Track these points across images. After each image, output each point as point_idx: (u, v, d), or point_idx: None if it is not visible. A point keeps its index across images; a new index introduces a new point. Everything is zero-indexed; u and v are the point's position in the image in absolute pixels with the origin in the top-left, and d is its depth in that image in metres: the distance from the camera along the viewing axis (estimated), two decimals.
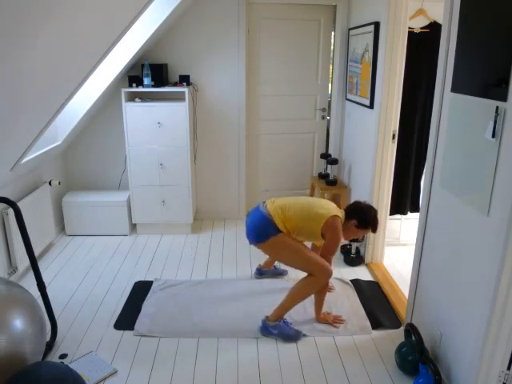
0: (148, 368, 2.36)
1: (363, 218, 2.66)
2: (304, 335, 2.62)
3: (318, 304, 2.72)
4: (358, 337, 2.62)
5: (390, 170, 3.31)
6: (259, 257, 3.62)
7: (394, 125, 3.22)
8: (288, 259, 2.64)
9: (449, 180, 2.14)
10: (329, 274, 2.57)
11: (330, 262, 2.63)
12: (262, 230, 2.58)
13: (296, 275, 3.33)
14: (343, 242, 3.36)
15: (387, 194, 3.36)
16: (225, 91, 4.13)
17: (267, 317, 2.62)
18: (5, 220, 3.03)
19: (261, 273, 3.31)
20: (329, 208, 2.63)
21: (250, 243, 2.68)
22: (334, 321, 2.72)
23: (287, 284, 3.18)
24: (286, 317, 2.68)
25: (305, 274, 2.63)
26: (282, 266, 3.36)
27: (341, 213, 2.67)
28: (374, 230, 2.72)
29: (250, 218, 2.68)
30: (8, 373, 1.90)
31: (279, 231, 2.56)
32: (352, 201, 3.92)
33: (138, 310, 2.85)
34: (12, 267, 3.13)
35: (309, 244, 2.86)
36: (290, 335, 2.57)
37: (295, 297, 2.59)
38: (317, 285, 2.59)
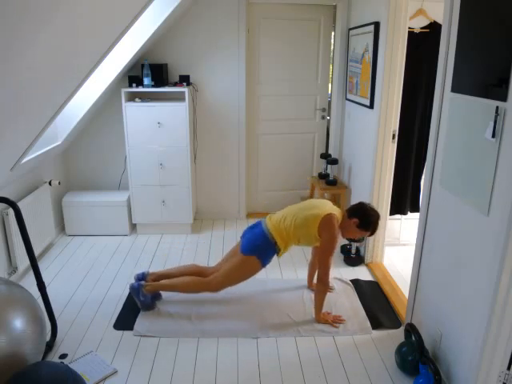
0: (148, 368, 2.36)
1: (366, 218, 2.68)
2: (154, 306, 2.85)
3: (318, 304, 2.72)
4: (357, 337, 2.62)
5: (390, 170, 3.31)
6: None
7: (394, 125, 3.22)
8: (232, 269, 2.75)
9: (449, 180, 2.14)
10: (218, 289, 2.76)
11: (328, 263, 2.63)
12: (260, 247, 2.70)
13: (304, 276, 3.33)
14: (342, 241, 3.35)
15: (387, 194, 3.36)
16: (225, 91, 4.13)
17: (146, 283, 2.81)
18: (5, 220, 3.03)
19: (141, 279, 2.93)
20: (323, 208, 2.67)
21: (240, 247, 2.77)
22: (334, 321, 2.72)
23: (287, 284, 3.18)
24: (285, 319, 2.68)
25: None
26: (288, 267, 3.35)
27: (337, 211, 2.69)
28: (372, 233, 2.76)
29: (254, 230, 2.79)
30: (8, 373, 1.90)
31: (276, 251, 2.72)
32: (352, 201, 3.92)
33: (138, 310, 2.85)
34: (12, 267, 3.13)
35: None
36: (146, 304, 2.82)
37: (179, 285, 2.79)
38: (203, 288, 2.76)
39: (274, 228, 2.69)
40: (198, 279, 2.78)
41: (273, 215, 2.82)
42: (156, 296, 2.92)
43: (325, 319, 2.72)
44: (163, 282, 2.84)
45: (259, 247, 2.70)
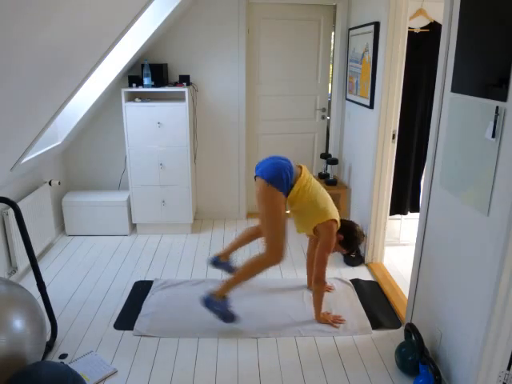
0: (148, 368, 2.36)
1: (350, 239, 2.77)
2: (238, 320, 2.70)
3: (317, 304, 2.72)
4: (357, 337, 2.62)
5: (390, 170, 3.31)
6: None
7: (394, 125, 3.22)
8: (265, 216, 2.57)
9: (449, 180, 2.14)
10: (279, 258, 2.54)
11: (325, 258, 2.65)
12: (279, 176, 2.50)
13: (304, 276, 3.33)
14: None
15: (387, 194, 3.36)
16: (225, 91, 4.13)
17: (214, 291, 2.64)
18: (5, 220, 3.03)
19: (216, 263, 3.10)
20: (335, 213, 2.70)
21: (258, 174, 2.58)
22: (334, 321, 2.72)
23: (287, 284, 3.18)
24: (286, 319, 2.68)
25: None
26: (289, 267, 3.35)
27: (339, 222, 2.74)
28: (349, 253, 2.90)
29: (276, 158, 2.61)
30: (8, 373, 1.90)
31: (286, 195, 2.56)
32: (352, 201, 3.92)
33: (138, 310, 2.85)
34: (12, 267, 3.13)
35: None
36: (227, 316, 2.65)
37: (242, 275, 2.62)
38: (264, 265, 2.57)
39: (302, 181, 2.57)
40: (256, 261, 2.59)
41: (309, 174, 2.71)
42: (231, 269, 3.02)
43: (325, 319, 2.72)
44: (228, 280, 2.63)
45: (282, 176, 2.52)
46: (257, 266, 2.59)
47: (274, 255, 2.55)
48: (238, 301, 2.96)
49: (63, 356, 2.43)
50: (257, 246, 3.79)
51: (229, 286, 2.62)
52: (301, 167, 2.67)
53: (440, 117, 2.25)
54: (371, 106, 3.33)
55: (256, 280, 3.25)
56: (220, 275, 3.34)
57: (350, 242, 2.78)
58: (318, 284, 2.68)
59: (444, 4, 2.18)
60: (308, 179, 2.65)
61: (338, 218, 2.70)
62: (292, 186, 2.57)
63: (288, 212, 2.68)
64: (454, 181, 2.09)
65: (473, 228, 1.94)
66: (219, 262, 3.10)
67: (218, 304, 2.62)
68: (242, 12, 3.92)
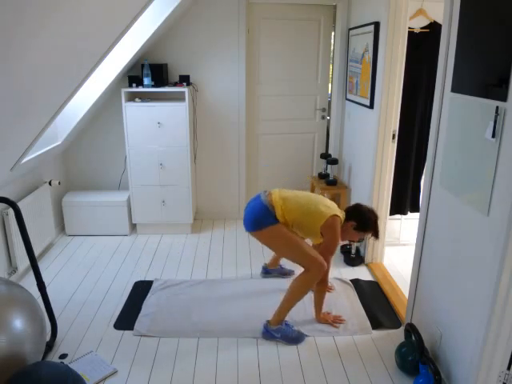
0: (148, 368, 2.36)
1: (363, 220, 2.65)
2: (306, 336, 2.62)
3: (318, 304, 2.72)
4: (358, 337, 2.62)
5: (390, 170, 3.31)
6: (259, 257, 3.62)
7: (394, 125, 3.22)
8: (283, 250, 2.61)
9: (449, 180, 2.14)
10: (323, 267, 2.53)
11: (329, 262, 2.63)
12: (260, 218, 2.54)
13: None
14: (341, 242, 3.35)
15: (387, 194, 3.36)
16: (225, 91, 4.13)
17: (268, 321, 2.59)
18: (5, 220, 3.03)
19: (267, 271, 3.31)
20: (331, 207, 2.62)
21: (247, 230, 2.63)
22: (334, 321, 2.72)
23: (287, 284, 3.17)
24: (287, 318, 2.68)
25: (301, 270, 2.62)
26: (288, 266, 3.36)
27: (341, 213, 2.66)
28: (376, 234, 2.68)
29: (250, 205, 2.65)
30: (8, 373, 1.90)
31: (277, 221, 2.54)
32: (352, 201, 3.92)
33: (138, 310, 2.85)
34: (12, 267, 3.13)
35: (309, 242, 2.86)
36: (293, 337, 2.56)
37: (293, 297, 2.57)
38: (312, 281, 2.56)
39: (278, 204, 2.56)
40: (301, 282, 2.56)
41: (280, 190, 2.67)
42: (285, 272, 3.22)
43: (325, 319, 2.72)
44: (280, 307, 2.59)
45: (262, 215, 2.55)
46: (304, 285, 2.55)
47: (315, 270, 2.52)
48: (238, 301, 2.96)
49: (63, 356, 2.43)
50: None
51: (281, 312, 2.58)
52: (270, 193, 2.62)
53: (440, 117, 2.25)
54: (371, 106, 3.33)
55: (256, 280, 3.26)
56: (220, 275, 3.34)
57: (365, 223, 2.65)
58: (320, 285, 2.67)
59: (444, 4, 2.18)
60: (283, 198, 2.59)
61: (336, 212, 2.61)
62: (275, 214, 2.55)
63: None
64: (454, 181, 2.09)
65: (473, 228, 1.94)
66: (269, 270, 3.27)
67: (277, 331, 2.56)
68: (242, 12, 3.92)
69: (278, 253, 2.63)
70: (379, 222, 2.72)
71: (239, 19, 3.94)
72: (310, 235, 2.68)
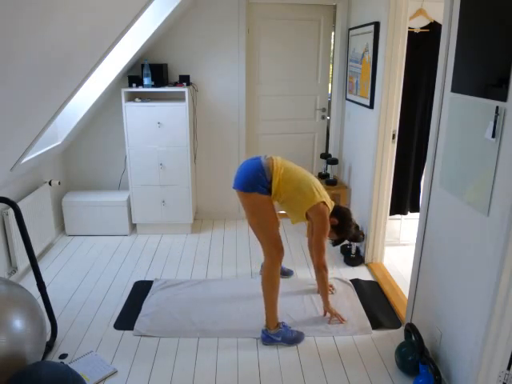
0: (148, 368, 2.36)
1: (344, 226, 2.71)
2: (305, 335, 2.62)
3: (324, 292, 2.69)
4: (358, 337, 2.62)
5: (389, 170, 3.31)
6: (259, 257, 3.62)
7: (394, 125, 3.22)
8: (255, 221, 2.53)
9: (449, 180, 2.14)
10: (278, 250, 2.50)
11: (320, 249, 2.59)
12: (253, 181, 2.45)
13: (304, 276, 3.34)
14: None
15: (387, 194, 3.36)
16: (225, 91, 4.13)
17: (266, 326, 2.56)
18: (5, 220, 3.03)
19: (283, 271, 3.27)
20: (324, 194, 2.61)
21: (234, 187, 2.55)
22: (336, 316, 2.71)
23: (287, 284, 3.18)
24: (286, 319, 2.68)
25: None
26: (287, 266, 3.35)
27: (331, 205, 2.67)
28: (340, 242, 2.80)
29: (247, 163, 2.57)
30: (8, 373, 1.90)
31: (268, 192, 2.49)
32: (352, 201, 3.92)
33: (138, 310, 2.85)
34: (12, 267, 3.13)
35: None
36: (293, 338, 2.55)
37: (267, 292, 2.52)
38: (272, 266, 2.51)
39: (278, 172, 2.50)
40: (265, 273, 2.53)
41: (283, 160, 2.60)
42: (285, 272, 3.23)
43: (331, 311, 2.72)
44: (265, 308, 2.55)
45: (256, 178, 2.48)
46: (268, 275, 2.53)
47: (272, 253, 2.51)
48: (238, 301, 2.96)
49: (63, 356, 2.43)
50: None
51: (269, 312, 2.53)
52: (272, 158, 2.55)
53: (440, 117, 2.25)
54: (371, 106, 3.33)
55: (256, 280, 3.26)
56: (220, 275, 3.34)
57: (343, 227, 2.69)
58: (321, 271, 2.64)
59: (444, 4, 2.18)
60: (284, 167, 2.54)
61: (327, 200, 2.60)
62: (271, 180, 2.48)
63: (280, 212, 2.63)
64: (454, 181, 2.09)
65: (473, 228, 1.94)
66: None
67: (277, 335, 2.53)
68: (241, 12, 3.92)
69: (249, 220, 2.55)
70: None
71: (239, 19, 3.94)
72: (294, 213, 2.62)
